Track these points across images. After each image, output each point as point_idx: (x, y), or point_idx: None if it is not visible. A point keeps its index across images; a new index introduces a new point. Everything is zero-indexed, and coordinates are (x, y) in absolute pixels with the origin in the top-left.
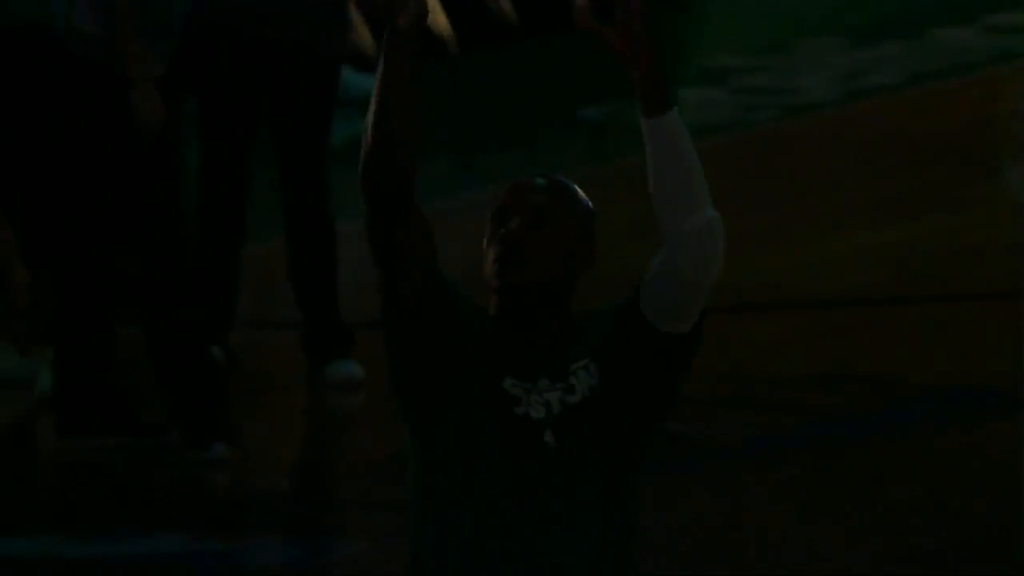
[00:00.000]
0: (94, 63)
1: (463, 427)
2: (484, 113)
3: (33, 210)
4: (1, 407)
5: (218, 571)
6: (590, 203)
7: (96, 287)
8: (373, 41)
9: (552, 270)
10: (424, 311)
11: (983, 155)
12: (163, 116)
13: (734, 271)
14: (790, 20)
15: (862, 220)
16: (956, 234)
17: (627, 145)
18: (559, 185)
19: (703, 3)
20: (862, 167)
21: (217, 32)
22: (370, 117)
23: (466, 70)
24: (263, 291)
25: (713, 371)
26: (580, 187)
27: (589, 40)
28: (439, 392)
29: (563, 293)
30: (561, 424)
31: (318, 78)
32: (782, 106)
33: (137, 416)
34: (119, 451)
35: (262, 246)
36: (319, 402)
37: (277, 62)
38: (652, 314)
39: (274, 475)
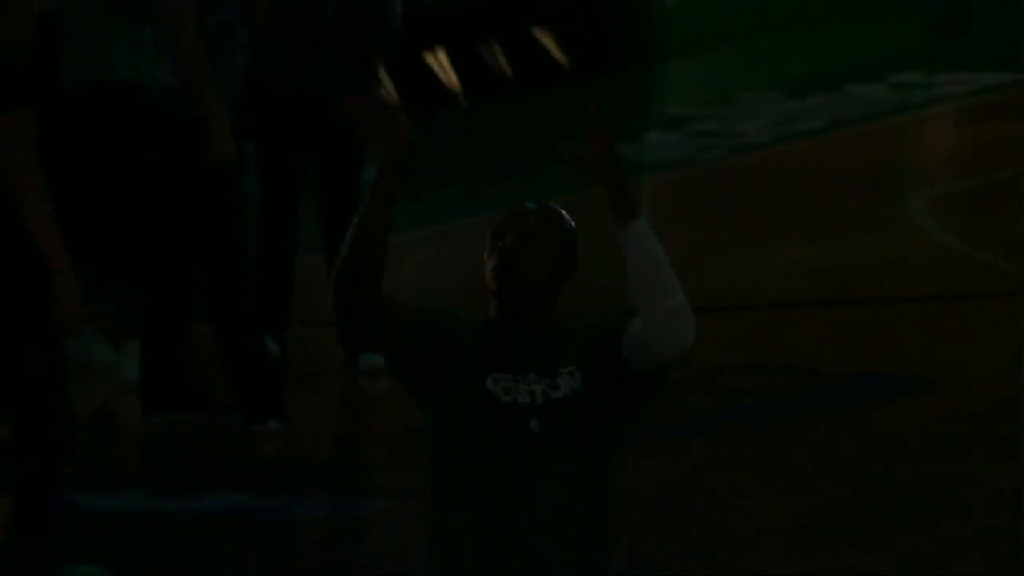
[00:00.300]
0: (174, 111)
1: (462, 417)
2: (487, 151)
3: (117, 229)
4: (94, 390)
5: (270, 522)
6: (573, 224)
7: (175, 293)
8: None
9: (539, 277)
10: (410, 351)
11: (888, 187)
12: (235, 153)
13: (687, 279)
14: (733, 77)
15: (792, 238)
16: (867, 250)
17: None
18: (547, 209)
19: (664, 65)
20: (792, 196)
21: (271, 87)
22: (348, 242)
23: (473, 117)
24: (308, 296)
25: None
26: (566, 211)
27: (569, 93)
28: (440, 396)
29: (549, 296)
30: (545, 413)
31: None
32: (727, 147)
33: (207, 397)
34: (192, 426)
35: (307, 259)
36: (352, 386)
37: (319, 111)
38: (630, 359)
39: (316, 445)
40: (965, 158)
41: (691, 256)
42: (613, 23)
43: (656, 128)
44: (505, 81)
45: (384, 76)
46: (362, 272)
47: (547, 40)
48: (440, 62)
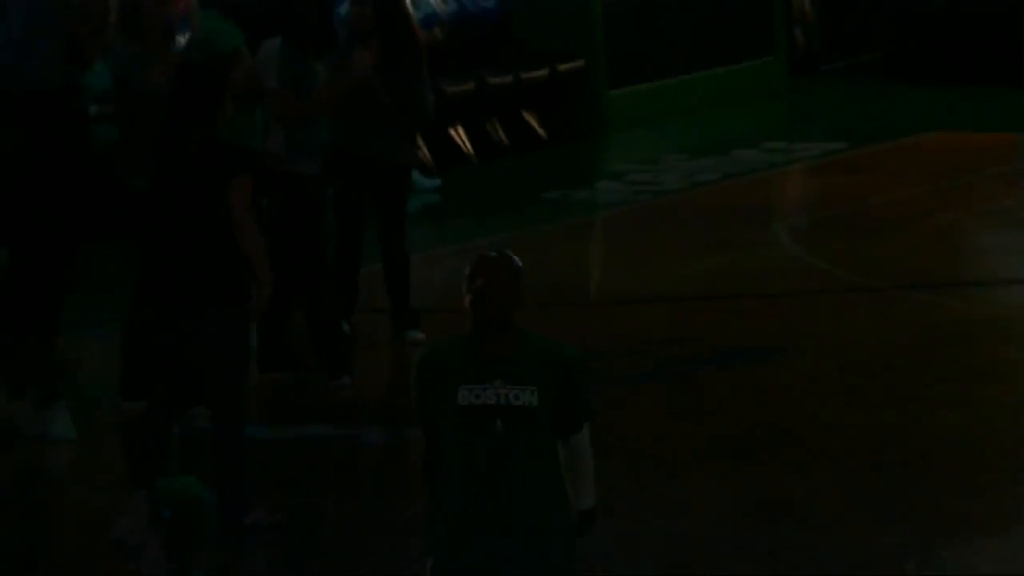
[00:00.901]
0: (280, 169)
1: (449, 420)
2: (491, 194)
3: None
4: None
5: (344, 446)
6: (520, 263)
7: (281, 290)
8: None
9: (502, 307)
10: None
11: (761, 218)
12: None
13: (625, 280)
14: (657, 145)
15: (696, 253)
16: (745, 261)
17: (571, 214)
18: (503, 256)
19: (610, 136)
20: (696, 225)
21: (345, 151)
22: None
23: (481, 171)
24: (369, 291)
25: (615, 337)
26: (543, 240)
27: (547, 155)
28: (440, 411)
29: (508, 318)
30: (507, 415)
31: (399, 175)
32: (653, 192)
33: (302, 360)
34: (292, 380)
35: (368, 268)
36: (400, 353)
37: (376, 166)
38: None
39: (376, 393)
40: (812, 199)
41: (630, 266)
42: (576, 107)
43: (604, 179)
44: (502, 146)
45: (421, 143)
46: None
47: (532, 119)
48: (459, 134)
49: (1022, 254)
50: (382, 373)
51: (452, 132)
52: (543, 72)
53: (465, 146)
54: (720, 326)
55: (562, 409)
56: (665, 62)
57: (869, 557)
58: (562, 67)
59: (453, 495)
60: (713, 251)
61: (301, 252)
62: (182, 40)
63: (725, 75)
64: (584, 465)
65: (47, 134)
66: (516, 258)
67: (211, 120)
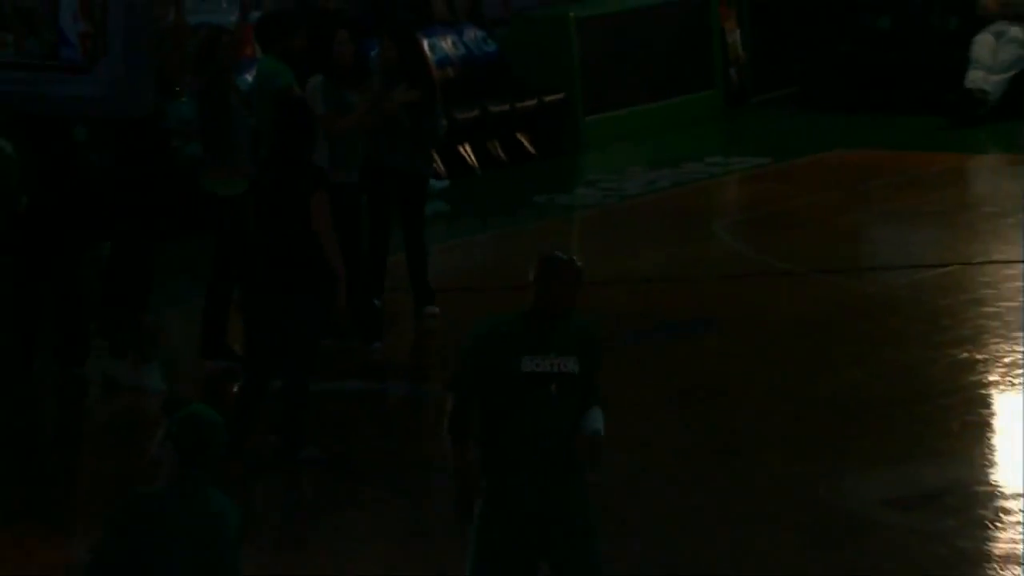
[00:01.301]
0: (327, 179)
1: (510, 384)
2: (491, 199)
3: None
4: None
5: (376, 399)
6: (580, 264)
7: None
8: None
9: (573, 302)
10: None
11: (704, 217)
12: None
13: (597, 265)
14: (623, 159)
15: (653, 245)
16: (692, 251)
17: (555, 214)
18: (572, 260)
19: (586, 153)
20: (654, 223)
21: (377, 164)
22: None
23: (483, 180)
24: (395, 275)
25: (588, 311)
26: (532, 234)
27: (536, 167)
28: (494, 379)
29: (570, 308)
30: (558, 380)
31: (419, 184)
32: (619, 196)
33: (340, 328)
34: (332, 344)
35: (394, 257)
36: (419, 323)
37: (401, 177)
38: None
39: (401, 355)
40: (744, 202)
41: (601, 254)
42: (559, 129)
43: (581, 186)
44: (501, 160)
45: (436, 158)
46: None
47: (524, 139)
48: (466, 150)
49: (906, 244)
50: (406, 339)
51: (460, 149)
52: (533, 102)
53: (470, 160)
54: (672, 302)
55: (588, 380)
56: (629, 94)
57: (787, 482)
58: (548, 98)
59: (504, 446)
60: (666, 243)
61: (341, 244)
62: (248, 77)
63: (675, 105)
64: (598, 411)
65: (136, 153)
66: (578, 261)
67: (308, 150)
